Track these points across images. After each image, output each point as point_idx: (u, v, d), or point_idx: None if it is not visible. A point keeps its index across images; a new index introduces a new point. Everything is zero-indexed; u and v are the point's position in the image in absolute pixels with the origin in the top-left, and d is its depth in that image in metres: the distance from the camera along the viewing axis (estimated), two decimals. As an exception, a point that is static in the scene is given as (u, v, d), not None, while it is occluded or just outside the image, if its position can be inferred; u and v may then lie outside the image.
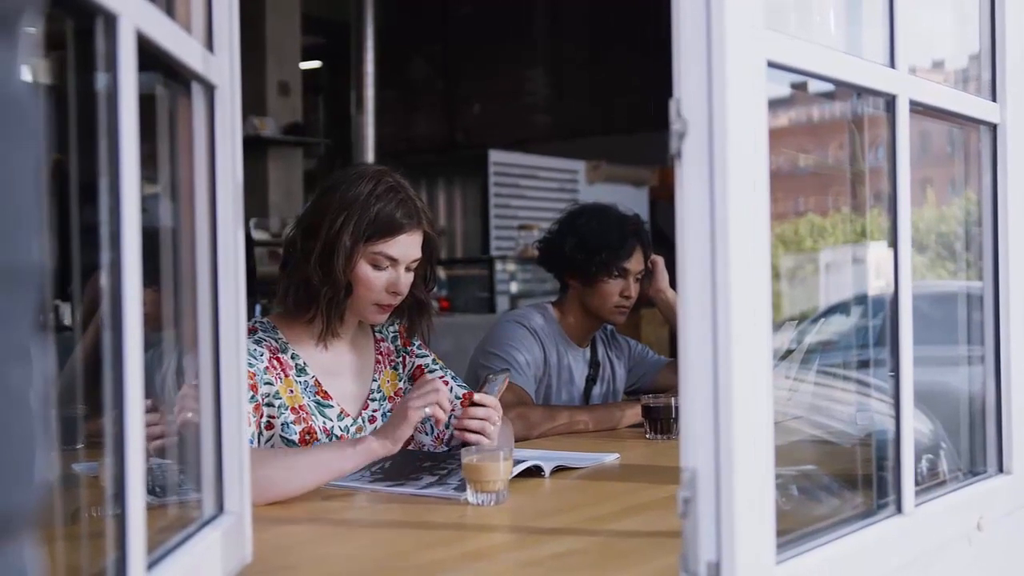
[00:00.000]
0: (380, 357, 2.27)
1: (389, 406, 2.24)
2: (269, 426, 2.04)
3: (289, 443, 2.05)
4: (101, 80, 0.97)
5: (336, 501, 1.89)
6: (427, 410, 1.90)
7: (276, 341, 2.12)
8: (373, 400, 2.23)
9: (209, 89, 1.29)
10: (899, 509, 1.43)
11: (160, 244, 1.26)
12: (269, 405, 2.04)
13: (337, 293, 2.08)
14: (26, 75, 0.54)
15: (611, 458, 2.27)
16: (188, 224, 1.29)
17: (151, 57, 1.06)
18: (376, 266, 2.09)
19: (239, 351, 1.33)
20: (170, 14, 1.15)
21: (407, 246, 2.10)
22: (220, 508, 1.31)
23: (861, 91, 1.48)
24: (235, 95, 1.33)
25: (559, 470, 2.09)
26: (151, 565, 1.04)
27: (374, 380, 2.24)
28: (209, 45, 1.29)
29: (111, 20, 0.95)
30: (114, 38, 0.95)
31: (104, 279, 0.96)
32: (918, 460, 1.54)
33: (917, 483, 1.47)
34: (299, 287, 2.10)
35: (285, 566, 1.45)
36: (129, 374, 0.96)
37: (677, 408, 2.56)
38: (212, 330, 1.31)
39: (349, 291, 2.09)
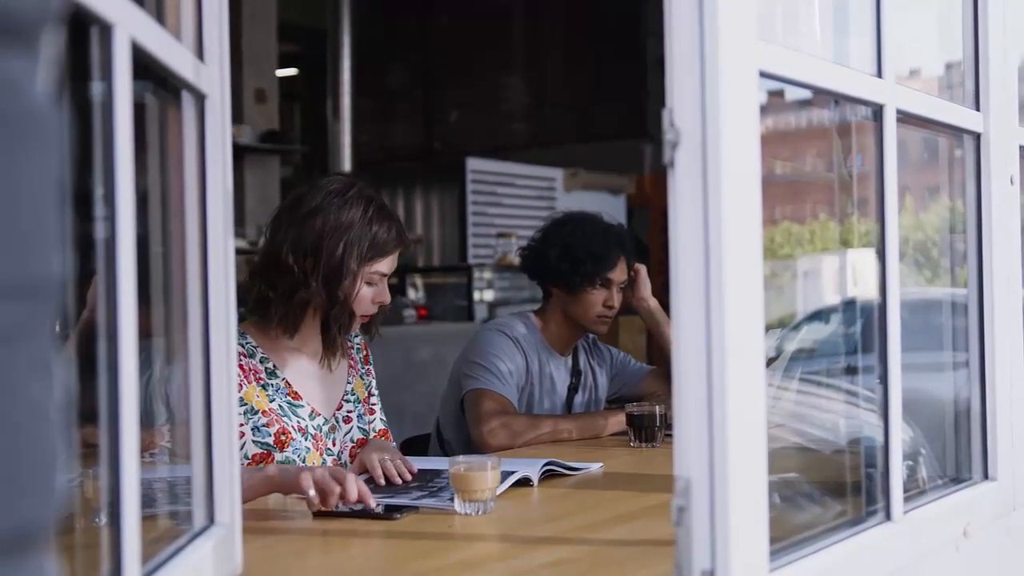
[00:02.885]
0: (352, 362, 2.35)
1: (362, 408, 2.32)
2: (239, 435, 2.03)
3: (264, 446, 2.09)
4: (95, 88, 0.96)
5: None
6: (311, 492, 1.73)
7: (243, 346, 2.16)
8: (348, 401, 2.30)
9: (200, 98, 1.28)
10: (888, 516, 1.44)
11: (149, 253, 1.25)
12: None
13: (344, 313, 2.16)
14: (45, 87, 0.54)
15: (595, 467, 2.27)
16: (178, 233, 1.28)
17: (142, 66, 1.06)
18: (370, 283, 2.19)
19: (230, 361, 1.33)
20: (160, 22, 1.14)
21: (395, 261, 2.23)
22: (211, 520, 1.30)
23: (850, 100, 1.49)
24: (225, 104, 1.33)
25: (548, 476, 2.09)
26: (145, 578, 1.03)
27: (348, 382, 2.32)
28: (199, 54, 1.29)
29: (106, 29, 0.94)
30: (109, 47, 0.95)
31: (100, 287, 0.95)
32: (900, 467, 1.54)
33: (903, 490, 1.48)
34: (299, 308, 2.15)
35: (275, 577, 1.45)
36: (124, 385, 0.95)
37: (661, 416, 2.57)
38: (202, 340, 1.30)
39: (353, 314, 2.16)
